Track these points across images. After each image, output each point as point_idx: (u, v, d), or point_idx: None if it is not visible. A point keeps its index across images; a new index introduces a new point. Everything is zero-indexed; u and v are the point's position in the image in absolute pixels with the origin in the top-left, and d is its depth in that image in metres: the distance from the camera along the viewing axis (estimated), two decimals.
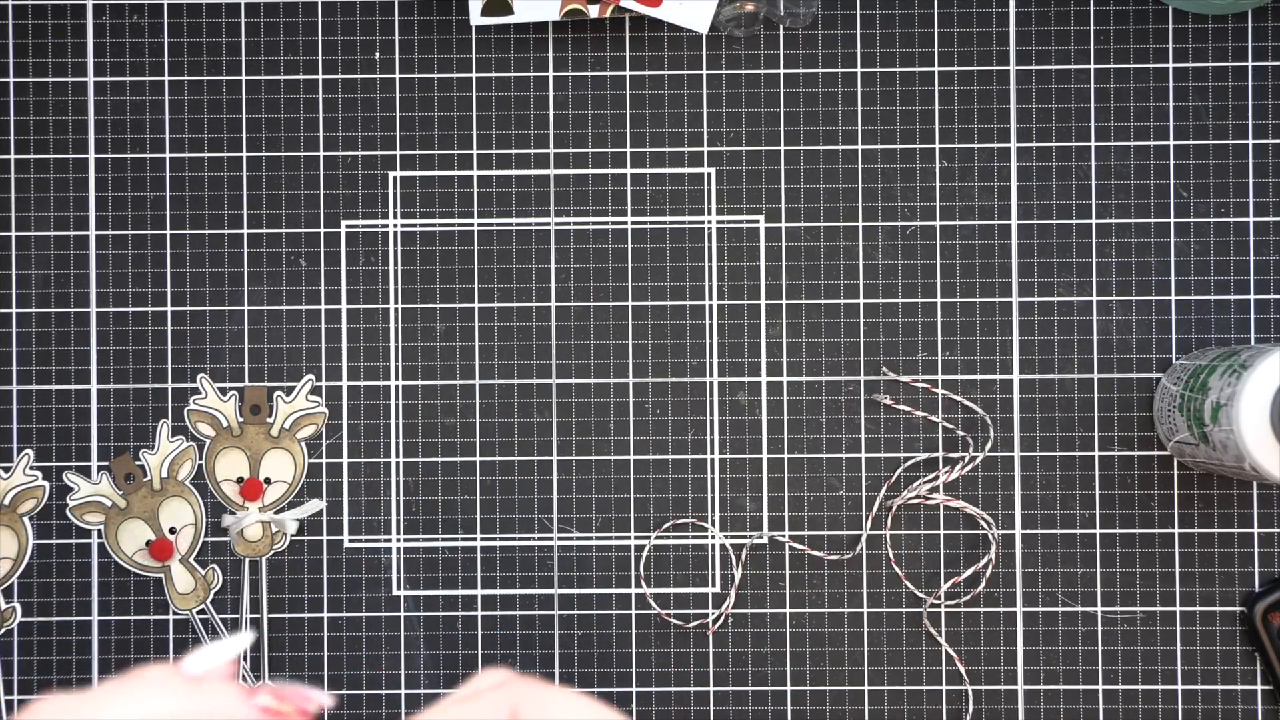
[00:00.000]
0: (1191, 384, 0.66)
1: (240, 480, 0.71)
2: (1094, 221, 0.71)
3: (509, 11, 0.69)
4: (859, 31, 0.71)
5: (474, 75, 0.72)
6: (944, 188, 0.71)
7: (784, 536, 0.71)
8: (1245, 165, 0.71)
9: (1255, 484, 0.71)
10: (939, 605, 0.71)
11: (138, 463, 0.71)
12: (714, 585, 0.71)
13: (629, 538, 0.71)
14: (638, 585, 0.71)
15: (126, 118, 0.71)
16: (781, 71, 0.72)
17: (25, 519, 0.71)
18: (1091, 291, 0.71)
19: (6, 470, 0.71)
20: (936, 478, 0.71)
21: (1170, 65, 0.71)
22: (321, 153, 0.72)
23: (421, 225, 0.72)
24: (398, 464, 0.71)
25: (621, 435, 0.71)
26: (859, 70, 0.71)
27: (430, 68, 0.72)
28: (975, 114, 0.71)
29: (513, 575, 0.71)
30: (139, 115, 0.71)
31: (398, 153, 0.72)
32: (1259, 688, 0.71)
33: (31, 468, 0.71)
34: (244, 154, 0.71)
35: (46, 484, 0.71)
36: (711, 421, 0.71)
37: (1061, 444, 0.71)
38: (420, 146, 0.72)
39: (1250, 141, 0.71)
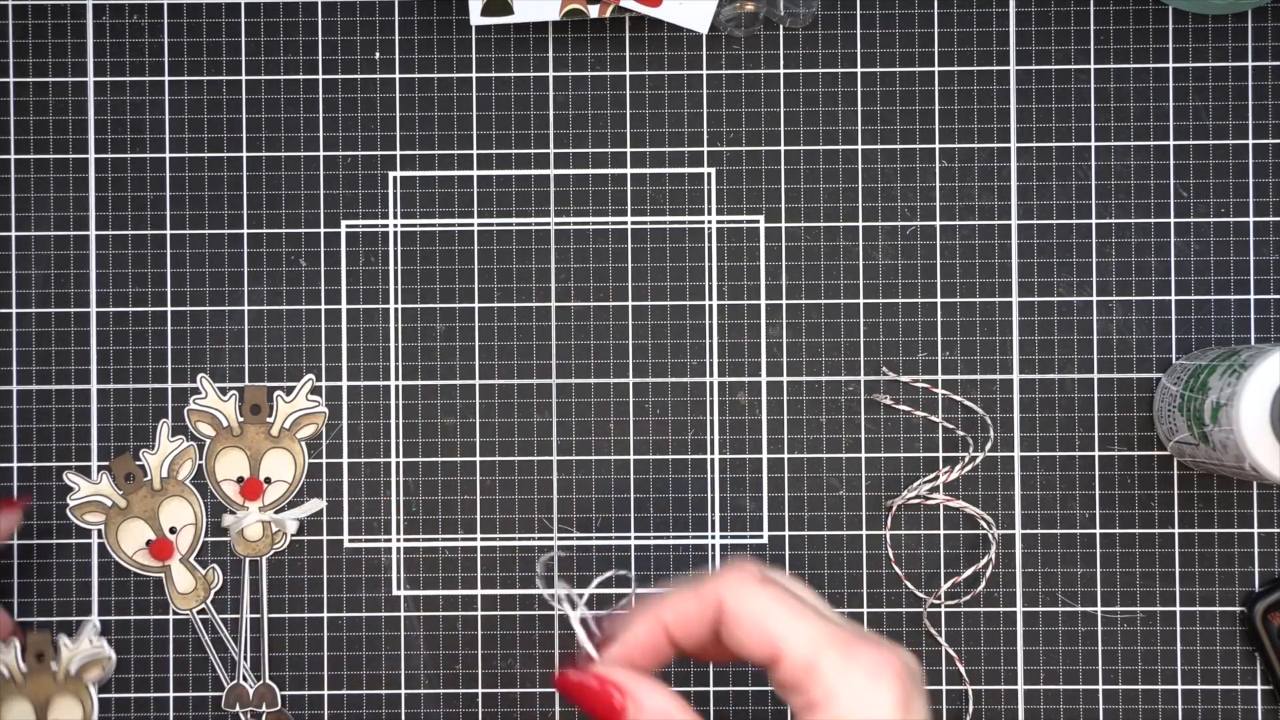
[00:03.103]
0: (1191, 384, 0.66)
1: (240, 480, 0.71)
2: (1094, 221, 0.71)
3: (509, 11, 0.69)
4: (859, 31, 0.71)
5: (474, 75, 0.72)
6: (944, 188, 0.71)
7: (784, 536, 0.71)
8: (1245, 165, 0.71)
9: (1255, 484, 0.71)
10: (939, 605, 0.71)
11: (138, 462, 0.71)
12: None
13: (629, 538, 0.71)
14: (638, 585, 0.71)
15: (126, 118, 0.71)
16: (781, 71, 0.72)
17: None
18: (1091, 291, 0.71)
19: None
20: (936, 478, 0.71)
21: (1170, 65, 0.71)
22: (321, 153, 0.72)
23: (421, 225, 0.72)
24: (398, 464, 0.71)
25: (621, 435, 0.71)
26: (859, 70, 0.71)
27: (430, 68, 0.72)
28: (975, 114, 0.71)
29: (513, 575, 0.71)
30: (139, 115, 0.71)
31: (398, 153, 0.72)
32: (1259, 688, 0.71)
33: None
34: (244, 154, 0.71)
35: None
36: (711, 421, 0.71)
37: (1061, 444, 0.71)
38: (420, 146, 0.72)
39: (1250, 141, 0.71)
